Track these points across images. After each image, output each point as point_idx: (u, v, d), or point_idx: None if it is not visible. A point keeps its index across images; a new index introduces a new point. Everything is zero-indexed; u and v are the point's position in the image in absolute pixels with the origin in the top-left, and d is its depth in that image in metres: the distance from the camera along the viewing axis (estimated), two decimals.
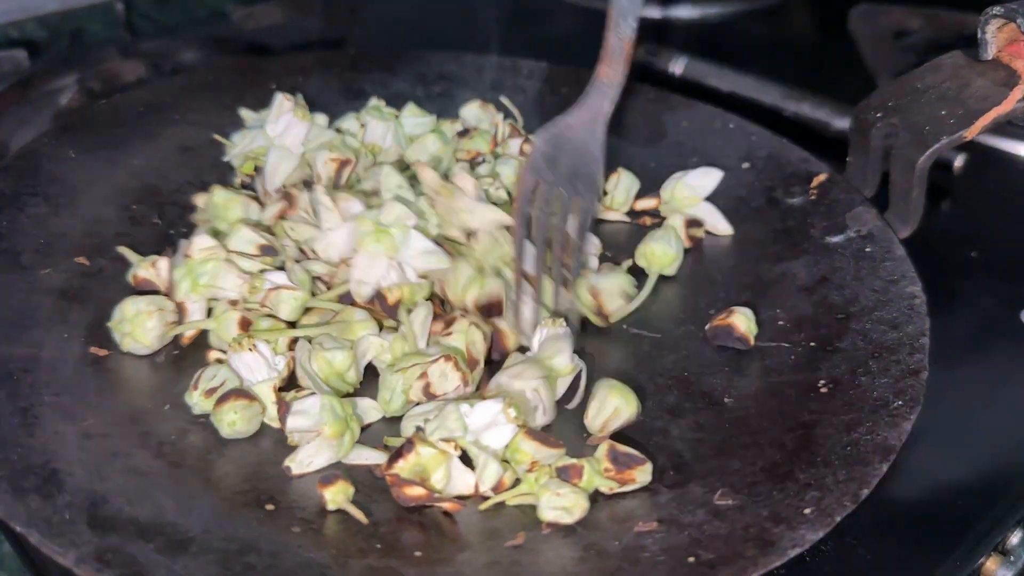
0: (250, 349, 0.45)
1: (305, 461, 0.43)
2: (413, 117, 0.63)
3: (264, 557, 0.38)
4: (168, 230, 0.55)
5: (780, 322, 0.52)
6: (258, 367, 0.45)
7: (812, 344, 0.51)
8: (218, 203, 0.53)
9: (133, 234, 0.54)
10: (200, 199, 0.55)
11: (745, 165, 0.63)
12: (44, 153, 0.56)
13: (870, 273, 0.54)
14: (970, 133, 0.54)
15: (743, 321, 0.51)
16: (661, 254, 0.56)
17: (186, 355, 0.48)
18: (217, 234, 0.51)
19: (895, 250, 0.55)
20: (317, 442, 0.43)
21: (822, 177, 0.60)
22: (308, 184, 0.58)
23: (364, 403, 0.46)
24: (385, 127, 0.61)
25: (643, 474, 0.43)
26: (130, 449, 0.42)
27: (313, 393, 0.44)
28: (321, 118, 0.60)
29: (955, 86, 0.55)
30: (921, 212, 0.56)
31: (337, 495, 0.41)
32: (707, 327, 0.52)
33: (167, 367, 0.48)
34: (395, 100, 0.65)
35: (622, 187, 0.61)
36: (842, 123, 0.75)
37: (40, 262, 0.51)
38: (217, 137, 0.59)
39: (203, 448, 0.43)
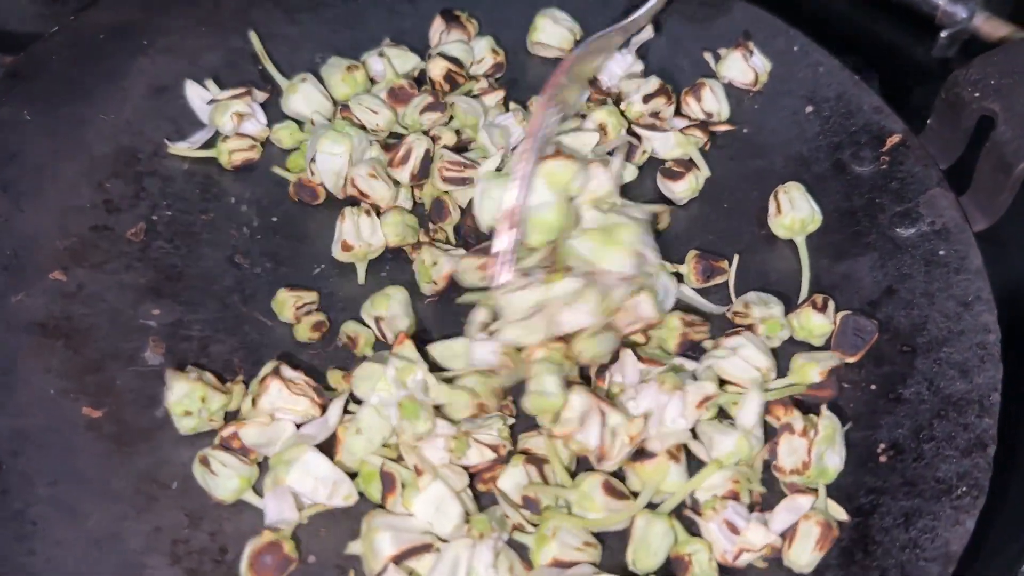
0: None
1: None
2: None
3: None
4: (151, 214, 0.48)
5: None
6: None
7: (873, 387, 0.46)
8: None
9: (112, 226, 0.47)
10: None
11: (808, 109, 0.55)
12: None
13: (942, 289, 0.48)
14: None
15: None
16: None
17: None
18: None
19: (971, 258, 0.49)
20: None
21: (895, 139, 0.53)
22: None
23: None
24: None
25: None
26: (144, 555, 0.39)
27: None
28: None
29: None
30: (1006, 208, 0.49)
31: None
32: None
33: (171, 425, 0.43)
34: None
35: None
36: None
37: (11, 285, 0.44)
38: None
39: (219, 548, 0.40)
